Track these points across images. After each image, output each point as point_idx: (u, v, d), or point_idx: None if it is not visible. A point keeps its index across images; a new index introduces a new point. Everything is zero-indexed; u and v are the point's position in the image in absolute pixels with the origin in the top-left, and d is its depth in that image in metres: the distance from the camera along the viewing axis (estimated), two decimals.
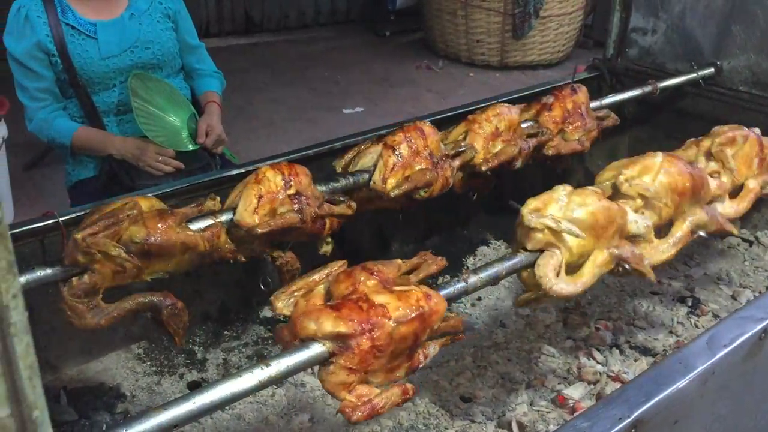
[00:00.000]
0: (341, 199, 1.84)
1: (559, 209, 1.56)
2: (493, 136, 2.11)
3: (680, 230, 1.83)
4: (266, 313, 2.26)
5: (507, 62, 6.21)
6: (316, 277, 1.38)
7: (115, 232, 1.46)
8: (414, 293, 1.35)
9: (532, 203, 1.57)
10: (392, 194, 1.86)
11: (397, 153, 1.89)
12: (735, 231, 1.98)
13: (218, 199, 1.63)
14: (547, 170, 2.67)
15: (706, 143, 2.07)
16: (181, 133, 2.68)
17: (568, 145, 2.29)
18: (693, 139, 2.14)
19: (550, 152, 2.26)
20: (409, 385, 1.37)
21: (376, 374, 1.32)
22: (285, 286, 1.37)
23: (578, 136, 2.33)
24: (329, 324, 1.24)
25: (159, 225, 1.49)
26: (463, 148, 2.05)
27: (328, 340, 1.25)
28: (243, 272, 2.26)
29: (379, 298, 1.30)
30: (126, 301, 1.54)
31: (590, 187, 1.69)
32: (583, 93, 2.38)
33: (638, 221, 1.70)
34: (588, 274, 1.59)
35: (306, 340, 1.25)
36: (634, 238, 1.72)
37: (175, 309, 1.57)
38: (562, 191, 1.60)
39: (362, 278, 1.34)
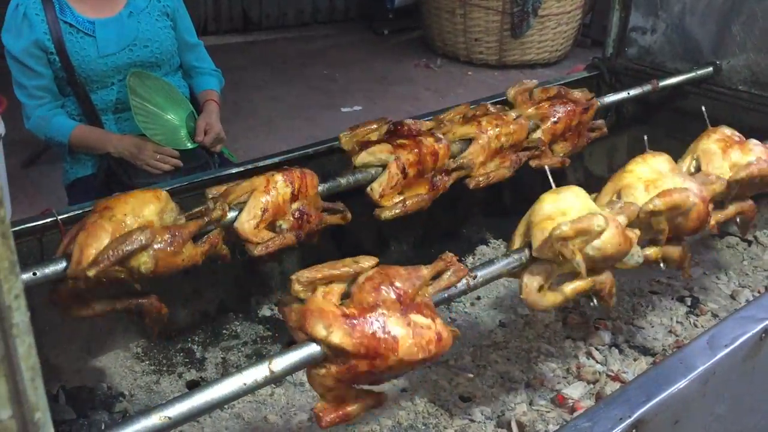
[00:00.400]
0: (339, 209, 1.84)
1: (584, 241, 1.54)
2: (494, 153, 2.11)
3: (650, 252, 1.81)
4: (265, 311, 2.26)
5: (505, 61, 6.21)
6: (343, 270, 1.31)
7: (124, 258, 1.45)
8: (428, 334, 1.30)
9: (564, 228, 1.50)
10: (382, 216, 1.87)
11: (404, 170, 1.88)
12: (688, 275, 1.98)
13: (226, 207, 1.62)
14: (543, 173, 2.66)
15: (733, 155, 2.01)
16: (179, 131, 2.68)
17: (552, 160, 2.28)
18: (725, 133, 2.08)
19: (534, 164, 2.25)
20: (383, 394, 1.37)
21: (360, 385, 1.32)
22: (310, 268, 1.31)
23: (564, 152, 2.33)
24: (338, 336, 1.22)
25: (167, 251, 1.47)
26: (462, 161, 2.04)
27: (331, 348, 1.24)
28: (242, 270, 2.26)
29: (395, 329, 1.26)
30: (114, 303, 1.54)
31: (619, 219, 1.63)
32: (592, 111, 2.37)
33: (634, 256, 1.67)
34: (562, 297, 1.59)
35: (309, 340, 1.24)
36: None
37: (158, 315, 1.58)
38: (596, 227, 1.53)
39: (384, 293, 1.28)
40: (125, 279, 1.45)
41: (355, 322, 1.23)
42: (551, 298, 1.59)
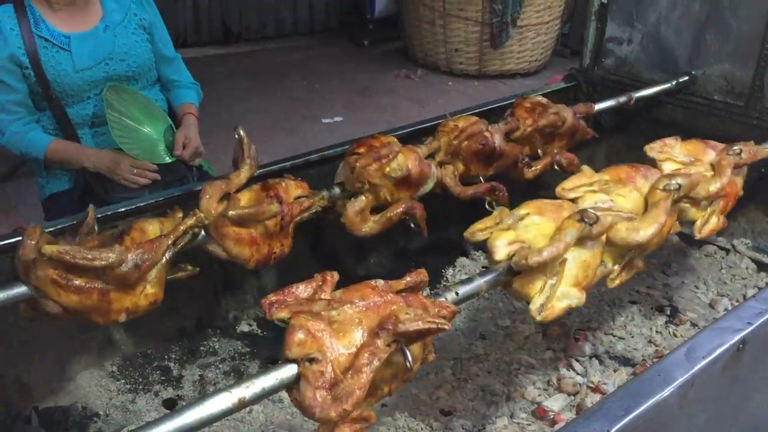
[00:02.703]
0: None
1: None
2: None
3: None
4: (243, 327, 2.23)
5: (485, 71, 6.23)
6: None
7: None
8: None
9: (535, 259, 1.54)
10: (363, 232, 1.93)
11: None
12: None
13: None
14: (523, 182, 2.68)
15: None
16: (157, 145, 2.65)
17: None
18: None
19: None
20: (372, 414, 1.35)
21: None
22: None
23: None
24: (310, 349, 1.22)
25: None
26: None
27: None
28: (220, 285, 2.24)
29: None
30: None
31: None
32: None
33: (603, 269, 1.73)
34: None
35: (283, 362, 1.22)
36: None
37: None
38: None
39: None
40: None
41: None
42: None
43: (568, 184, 1.86)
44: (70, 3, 2.53)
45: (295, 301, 1.31)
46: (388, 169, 1.98)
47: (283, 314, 1.25)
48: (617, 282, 1.81)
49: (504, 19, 5.91)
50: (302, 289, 1.36)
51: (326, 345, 1.22)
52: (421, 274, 1.45)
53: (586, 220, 1.62)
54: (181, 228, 1.55)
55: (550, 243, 1.58)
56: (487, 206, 2.27)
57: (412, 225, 2.09)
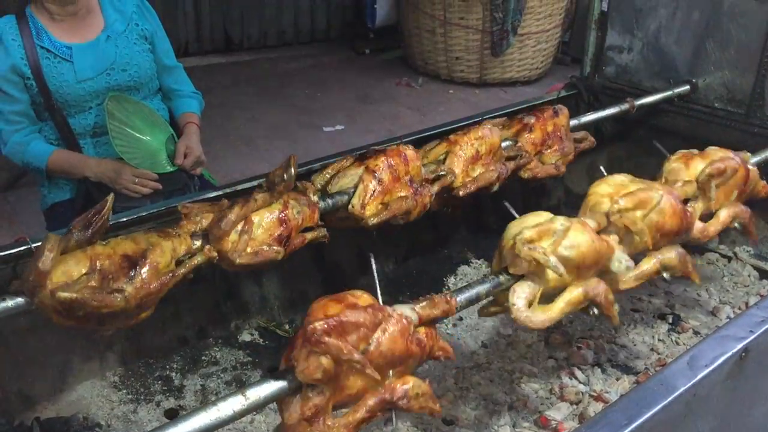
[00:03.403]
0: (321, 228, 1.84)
1: (551, 243, 1.54)
2: (472, 159, 2.11)
3: (648, 266, 1.83)
4: (245, 336, 2.23)
5: (486, 79, 6.25)
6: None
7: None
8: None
9: (527, 232, 1.53)
10: (370, 223, 1.86)
11: (377, 178, 1.88)
12: (697, 281, 1.99)
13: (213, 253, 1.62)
14: (526, 187, 2.67)
15: (695, 165, 2.04)
16: (159, 154, 2.65)
17: (545, 169, 2.30)
18: (684, 151, 2.11)
19: (526, 175, 2.26)
20: None
21: None
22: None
23: (555, 159, 2.33)
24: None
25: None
26: (443, 173, 2.04)
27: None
28: (221, 295, 2.24)
29: None
30: None
31: (587, 222, 1.67)
32: (564, 115, 2.39)
33: (622, 261, 1.68)
34: (557, 310, 1.58)
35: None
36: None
37: None
38: (559, 225, 1.56)
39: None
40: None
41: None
42: (543, 314, 1.55)
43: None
44: (72, 14, 2.54)
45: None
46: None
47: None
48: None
49: (504, 27, 5.92)
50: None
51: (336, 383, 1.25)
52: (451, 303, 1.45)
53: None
54: (190, 266, 1.56)
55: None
56: None
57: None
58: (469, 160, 2.11)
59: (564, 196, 3.18)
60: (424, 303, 1.42)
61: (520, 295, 1.54)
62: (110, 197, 1.55)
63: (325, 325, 1.23)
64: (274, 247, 1.68)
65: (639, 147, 3.04)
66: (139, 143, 2.60)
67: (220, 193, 2.09)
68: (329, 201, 1.88)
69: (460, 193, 2.08)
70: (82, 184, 2.61)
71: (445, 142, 2.14)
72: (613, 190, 1.78)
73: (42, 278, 1.37)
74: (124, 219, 1.89)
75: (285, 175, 1.72)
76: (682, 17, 2.80)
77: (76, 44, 2.55)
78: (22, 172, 4.05)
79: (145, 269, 1.46)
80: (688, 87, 2.81)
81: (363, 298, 1.37)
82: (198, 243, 1.61)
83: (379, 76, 6.55)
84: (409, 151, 1.99)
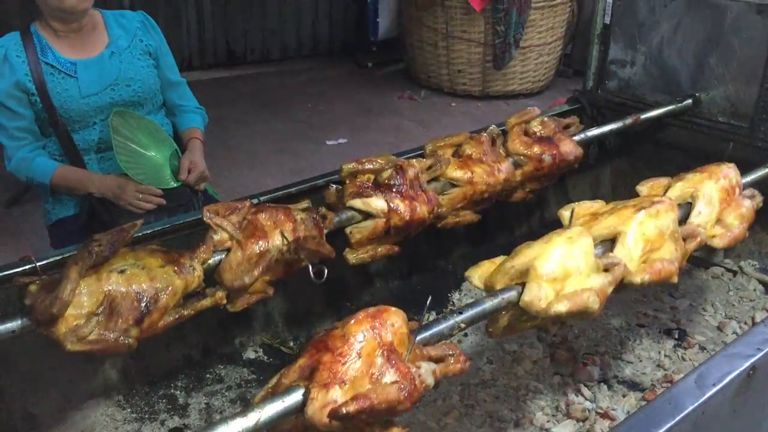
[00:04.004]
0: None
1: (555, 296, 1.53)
2: (471, 203, 2.15)
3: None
4: (249, 354, 2.22)
5: (488, 92, 6.26)
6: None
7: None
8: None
9: (561, 308, 1.51)
10: (350, 261, 1.94)
11: (388, 229, 1.92)
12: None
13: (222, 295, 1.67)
14: (528, 203, 2.68)
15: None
16: (163, 170, 2.66)
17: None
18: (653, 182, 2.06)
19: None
20: None
21: None
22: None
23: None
24: (294, 371, 1.23)
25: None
26: (440, 212, 2.08)
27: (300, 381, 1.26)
28: (225, 312, 2.23)
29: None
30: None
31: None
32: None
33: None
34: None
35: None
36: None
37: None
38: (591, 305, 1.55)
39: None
40: None
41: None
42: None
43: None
44: (76, 30, 2.55)
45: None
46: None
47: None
48: None
49: (506, 40, 5.94)
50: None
51: None
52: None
53: None
54: (197, 309, 1.58)
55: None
56: None
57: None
58: (469, 203, 2.15)
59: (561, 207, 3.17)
60: (443, 366, 1.42)
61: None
62: (139, 223, 1.57)
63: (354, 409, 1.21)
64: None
65: (642, 160, 3.04)
66: (143, 159, 2.60)
67: None
68: (334, 219, 1.88)
69: (439, 225, 2.14)
70: (86, 199, 2.61)
71: (466, 170, 2.13)
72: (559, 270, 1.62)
73: (62, 309, 1.37)
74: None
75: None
76: (684, 31, 2.81)
77: (81, 60, 2.56)
78: (26, 187, 4.05)
79: (155, 313, 1.47)
80: (691, 101, 2.82)
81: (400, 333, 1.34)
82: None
83: (382, 89, 6.56)
84: (430, 217, 2.04)
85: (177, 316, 1.52)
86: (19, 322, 1.40)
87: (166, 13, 6.34)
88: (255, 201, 2.03)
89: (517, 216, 2.98)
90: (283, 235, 1.70)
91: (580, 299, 1.52)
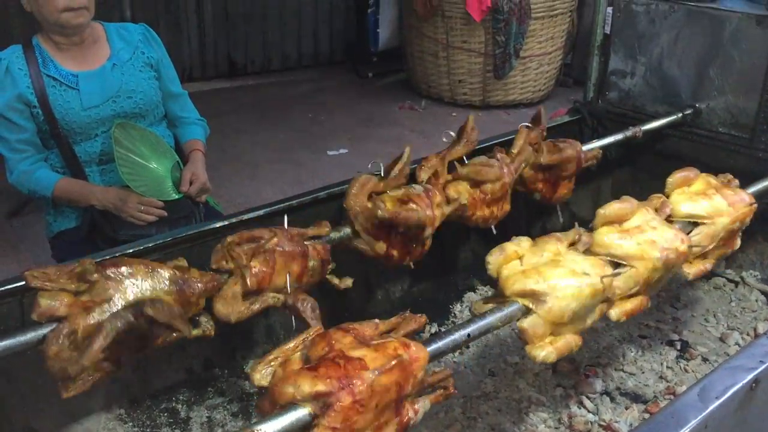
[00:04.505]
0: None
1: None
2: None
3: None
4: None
5: (489, 101, 6.27)
6: (291, 344, 1.36)
7: (70, 271, 1.44)
8: (391, 343, 1.34)
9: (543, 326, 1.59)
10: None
11: None
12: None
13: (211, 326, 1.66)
14: (531, 210, 2.68)
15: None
16: (164, 182, 2.66)
17: None
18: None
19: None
20: None
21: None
22: (260, 357, 1.35)
23: None
24: (307, 385, 1.21)
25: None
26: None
27: (309, 402, 1.22)
28: (226, 325, 2.23)
29: (356, 353, 1.28)
30: (106, 322, 1.45)
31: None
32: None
33: None
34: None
35: (286, 406, 1.22)
36: None
37: (158, 302, 1.47)
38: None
39: (337, 337, 1.32)
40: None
41: (317, 366, 1.25)
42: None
43: None
44: (78, 43, 2.56)
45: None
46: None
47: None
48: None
49: (507, 50, 5.96)
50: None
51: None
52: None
53: None
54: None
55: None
56: None
57: None
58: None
59: (569, 221, 3.17)
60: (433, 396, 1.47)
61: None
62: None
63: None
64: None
65: (644, 171, 3.05)
66: (145, 170, 2.61)
67: (225, 223, 2.09)
68: (334, 235, 1.88)
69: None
70: (87, 212, 2.61)
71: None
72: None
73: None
74: (130, 251, 1.89)
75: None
76: (684, 42, 2.82)
77: (82, 72, 2.57)
78: (28, 199, 4.05)
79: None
80: (691, 112, 2.82)
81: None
82: None
83: (383, 99, 6.57)
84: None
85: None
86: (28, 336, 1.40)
87: (168, 25, 6.36)
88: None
89: (519, 228, 2.97)
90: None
91: (567, 347, 1.64)
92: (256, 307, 1.69)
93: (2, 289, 1.72)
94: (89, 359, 1.40)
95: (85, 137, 2.60)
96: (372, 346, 1.32)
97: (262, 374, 1.30)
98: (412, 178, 2.09)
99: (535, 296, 1.59)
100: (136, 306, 1.44)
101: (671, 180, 2.07)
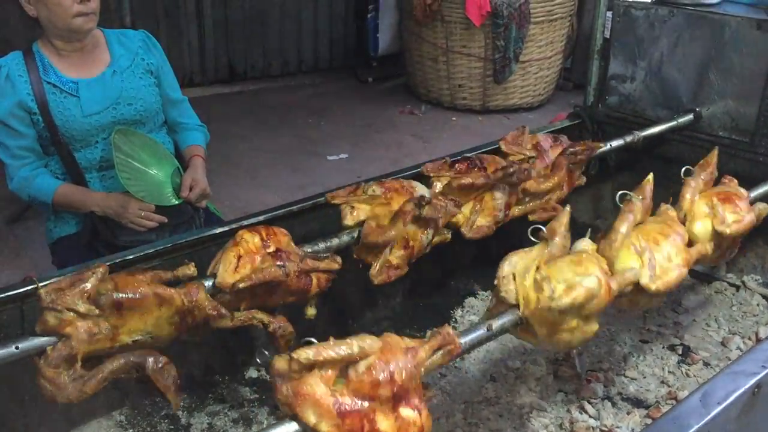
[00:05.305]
0: (324, 255, 1.82)
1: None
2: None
3: None
4: (252, 373, 2.22)
5: (489, 106, 6.27)
6: (344, 354, 1.25)
7: (83, 291, 1.42)
8: (412, 429, 1.30)
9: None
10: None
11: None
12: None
13: (193, 265, 1.60)
14: (532, 221, 2.67)
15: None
16: (164, 187, 2.66)
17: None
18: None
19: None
20: None
21: None
22: (312, 347, 1.25)
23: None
24: (326, 427, 1.20)
25: (128, 279, 1.47)
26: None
27: None
28: (227, 331, 2.22)
29: (383, 424, 1.25)
30: (107, 364, 1.49)
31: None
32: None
33: None
34: None
35: (295, 418, 1.21)
36: None
37: (160, 363, 1.52)
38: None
39: (381, 390, 1.27)
40: (92, 313, 1.43)
41: (346, 411, 1.21)
42: None
43: None
44: (79, 49, 2.57)
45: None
46: None
47: None
48: None
49: (506, 55, 5.96)
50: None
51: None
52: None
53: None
54: None
55: None
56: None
57: None
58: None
59: (570, 226, 3.17)
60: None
61: None
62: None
63: None
64: None
65: (644, 175, 3.03)
66: (144, 176, 2.61)
67: (225, 228, 2.09)
68: (334, 241, 1.88)
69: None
70: (87, 218, 2.61)
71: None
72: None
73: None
74: (130, 257, 1.89)
75: None
76: (684, 46, 2.82)
77: (83, 79, 2.57)
78: (28, 205, 4.06)
79: None
80: (691, 116, 2.82)
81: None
82: None
83: (383, 104, 6.58)
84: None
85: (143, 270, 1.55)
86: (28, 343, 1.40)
87: (168, 31, 6.36)
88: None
89: (521, 234, 2.97)
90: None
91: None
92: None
93: (3, 295, 1.72)
94: (81, 397, 1.48)
95: (86, 144, 2.60)
96: (398, 421, 1.28)
97: (301, 366, 1.25)
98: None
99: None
100: (140, 358, 1.51)
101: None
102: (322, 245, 1.84)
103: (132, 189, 2.52)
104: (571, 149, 2.35)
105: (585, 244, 1.73)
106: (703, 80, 2.79)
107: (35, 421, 1.85)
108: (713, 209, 1.97)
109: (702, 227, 1.95)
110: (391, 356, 1.28)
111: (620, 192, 1.87)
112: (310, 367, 1.23)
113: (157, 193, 2.60)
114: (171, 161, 2.71)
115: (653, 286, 1.69)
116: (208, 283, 1.61)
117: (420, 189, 2.04)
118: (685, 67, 2.84)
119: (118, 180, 2.53)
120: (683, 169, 2.12)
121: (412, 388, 1.31)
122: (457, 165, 2.16)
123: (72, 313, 1.42)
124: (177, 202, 2.64)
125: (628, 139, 2.64)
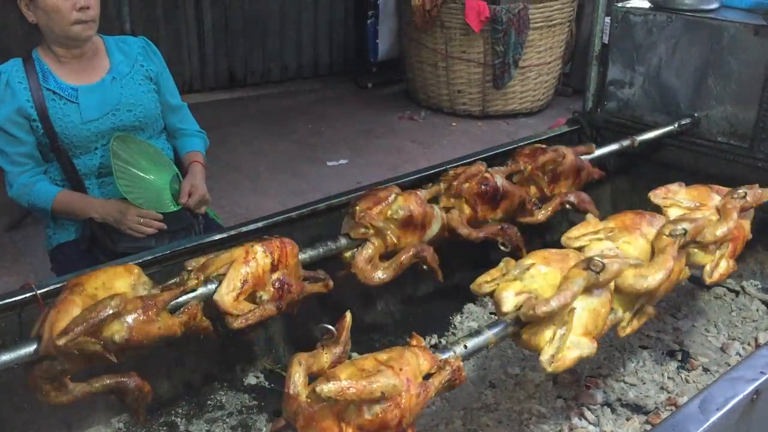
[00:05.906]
0: (321, 277, 1.82)
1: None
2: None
3: None
4: (250, 380, 2.21)
5: (488, 111, 6.28)
6: (370, 395, 1.24)
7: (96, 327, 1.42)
8: None
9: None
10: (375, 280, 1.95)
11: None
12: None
13: (201, 277, 1.60)
14: (531, 225, 2.67)
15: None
16: (163, 194, 2.66)
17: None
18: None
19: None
20: None
21: None
22: (339, 382, 1.24)
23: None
24: None
25: (140, 320, 1.45)
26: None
27: None
28: (226, 338, 2.22)
29: None
30: (92, 384, 1.53)
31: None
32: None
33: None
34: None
35: None
36: None
37: (141, 393, 1.56)
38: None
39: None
40: (99, 352, 1.42)
41: None
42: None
43: (574, 233, 1.86)
44: (78, 56, 2.57)
45: None
46: (390, 211, 1.99)
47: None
48: (628, 330, 1.81)
49: (506, 60, 5.97)
50: None
51: None
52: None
53: (592, 267, 1.61)
54: None
55: (557, 292, 1.58)
56: (500, 247, 2.27)
57: (424, 267, 2.08)
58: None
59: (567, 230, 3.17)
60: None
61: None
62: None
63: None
64: None
65: (643, 180, 3.04)
66: (143, 183, 2.61)
67: (224, 235, 2.09)
68: (331, 245, 1.88)
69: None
70: (87, 224, 2.61)
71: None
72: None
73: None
74: (130, 263, 1.88)
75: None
76: (682, 52, 2.83)
77: (82, 86, 2.57)
78: (27, 212, 4.06)
79: None
80: (689, 121, 2.83)
81: None
82: None
83: (382, 109, 6.59)
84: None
85: (153, 299, 1.56)
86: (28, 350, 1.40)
87: (167, 37, 6.38)
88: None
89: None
90: None
91: None
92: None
93: (1, 303, 1.72)
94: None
95: (85, 150, 2.60)
96: None
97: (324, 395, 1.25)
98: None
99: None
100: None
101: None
102: (321, 250, 1.84)
103: (130, 196, 2.52)
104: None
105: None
106: (701, 86, 2.80)
107: (33, 429, 1.85)
108: None
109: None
110: (406, 400, 1.30)
111: None
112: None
113: (156, 200, 2.60)
114: (170, 168, 2.71)
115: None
116: (207, 290, 1.60)
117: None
118: (683, 73, 2.85)
119: (117, 186, 2.53)
120: None
121: (411, 423, 1.34)
122: None
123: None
124: (176, 209, 2.63)
125: (625, 143, 2.64)
